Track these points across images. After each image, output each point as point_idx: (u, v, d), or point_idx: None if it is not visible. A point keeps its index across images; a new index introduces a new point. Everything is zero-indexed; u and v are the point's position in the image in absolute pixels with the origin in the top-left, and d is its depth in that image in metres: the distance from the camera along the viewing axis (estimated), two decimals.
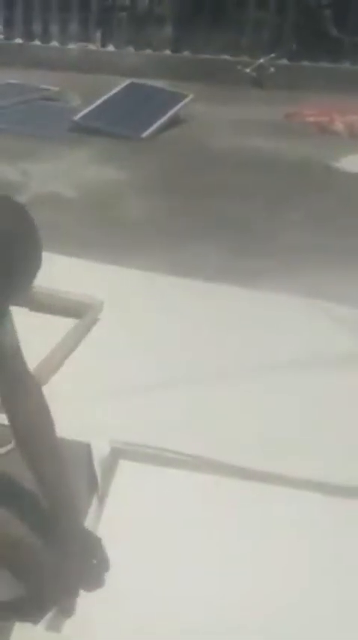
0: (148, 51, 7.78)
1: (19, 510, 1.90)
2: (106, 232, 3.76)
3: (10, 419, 1.84)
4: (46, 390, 2.39)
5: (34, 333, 2.63)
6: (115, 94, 6.18)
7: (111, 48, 7.91)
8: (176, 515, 1.98)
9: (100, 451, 2.13)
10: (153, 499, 2.04)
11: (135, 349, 2.71)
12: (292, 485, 2.09)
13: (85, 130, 5.53)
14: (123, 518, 1.96)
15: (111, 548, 1.80)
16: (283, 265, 3.45)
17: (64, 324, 2.78)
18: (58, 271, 3.10)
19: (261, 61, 7.25)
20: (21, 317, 2.57)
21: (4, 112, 5.90)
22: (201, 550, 1.89)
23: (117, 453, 2.16)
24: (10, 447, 2.09)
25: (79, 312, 2.86)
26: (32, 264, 1.62)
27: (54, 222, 3.81)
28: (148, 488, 2.07)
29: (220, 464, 2.12)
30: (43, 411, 1.84)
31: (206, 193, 4.40)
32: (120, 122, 5.65)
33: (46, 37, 7.99)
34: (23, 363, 1.85)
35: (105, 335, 2.80)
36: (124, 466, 2.15)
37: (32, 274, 1.63)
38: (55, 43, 7.95)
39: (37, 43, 8.00)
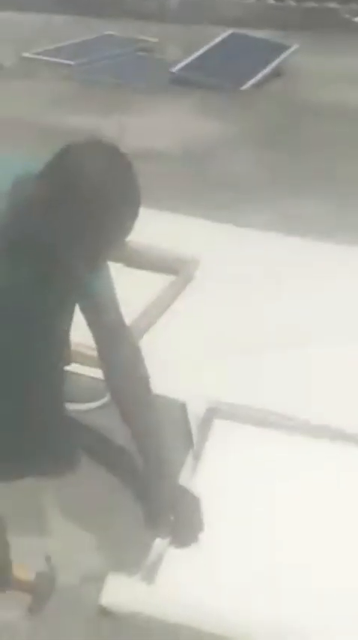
0: (250, 0, 7.52)
1: (111, 466, 1.90)
2: (205, 188, 3.64)
3: (105, 370, 1.81)
4: (141, 344, 2.38)
5: (130, 289, 2.59)
6: (215, 45, 6.00)
7: None
8: (268, 476, 1.93)
9: (196, 410, 2.11)
10: (246, 459, 1.99)
11: (231, 308, 2.64)
12: None
13: (184, 82, 5.39)
14: (216, 476, 1.93)
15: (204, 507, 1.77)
16: None
17: (161, 281, 2.72)
18: (155, 227, 3.04)
19: None
20: (117, 273, 2.54)
21: (100, 65, 5.83)
22: (293, 513, 1.83)
23: (212, 412, 2.13)
24: (104, 400, 2.07)
25: (176, 268, 2.80)
26: (129, 214, 1.59)
27: (151, 177, 3.73)
28: (242, 448, 2.03)
29: (317, 426, 2.07)
30: (138, 364, 1.81)
31: (309, 148, 4.21)
32: (220, 74, 5.48)
33: None
34: (119, 316, 1.81)
35: (202, 292, 2.73)
36: (219, 425, 2.11)
37: (129, 225, 1.60)
38: None
39: None
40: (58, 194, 1.53)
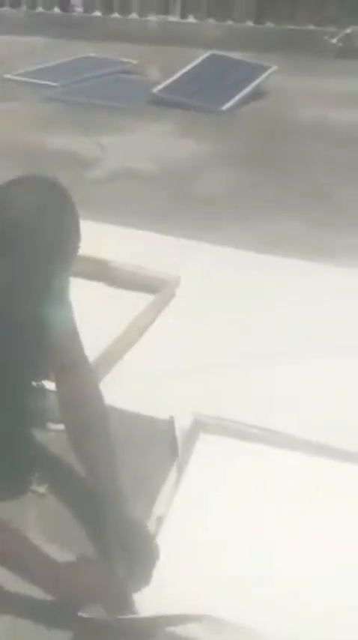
0: (230, 22, 7.62)
1: (67, 496, 1.86)
2: (185, 207, 3.66)
3: (60, 401, 1.77)
4: (122, 364, 2.38)
5: (111, 308, 2.63)
6: (196, 66, 6.06)
7: (191, 19, 7.77)
8: (254, 490, 1.93)
9: (182, 423, 2.11)
10: (231, 472, 1.99)
11: (211, 325, 2.65)
12: None
13: (165, 102, 5.43)
14: (200, 489, 1.93)
15: (188, 520, 1.78)
16: None
17: (141, 300, 2.72)
18: (135, 247, 3.07)
19: (348, 31, 6.99)
20: (98, 292, 2.55)
21: (82, 86, 5.86)
22: (277, 525, 1.82)
23: (198, 426, 2.13)
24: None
25: (156, 287, 2.80)
26: (71, 238, 1.59)
27: (131, 197, 3.77)
28: (228, 461, 2.03)
29: (301, 441, 2.07)
30: (94, 398, 1.76)
31: (289, 168, 4.25)
32: (201, 95, 5.52)
33: (125, 9, 7.92)
34: (79, 346, 1.78)
35: (182, 310, 2.74)
36: (205, 439, 2.11)
37: (71, 249, 1.60)
38: (134, 15, 7.87)
39: (116, 15, 7.94)
40: None
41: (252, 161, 4.37)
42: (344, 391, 2.33)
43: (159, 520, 1.81)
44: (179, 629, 1.54)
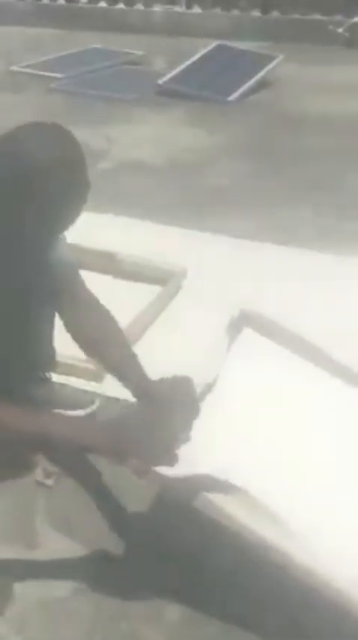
0: (236, 12, 7.59)
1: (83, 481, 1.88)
2: (192, 198, 3.67)
3: (75, 337, 1.81)
4: None
5: (119, 300, 2.62)
6: (202, 56, 6.04)
7: (197, 9, 7.75)
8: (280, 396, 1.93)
9: (230, 315, 2.13)
10: (263, 375, 1.98)
11: (220, 317, 2.64)
12: None
13: (170, 93, 5.42)
14: (235, 383, 1.95)
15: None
16: None
17: (149, 292, 2.73)
18: (142, 238, 3.07)
19: (355, 20, 6.96)
20: (104, 284, 2.54)
21: (87, 77, 5.86)
22: (304, 427, 1.83)
23: (244, 319, 2.15)
24: (88, 410, 2.09)
25: (164, 279, 2.81)
26: (80, 191, 1.59)
27: (138, 189, 3.77)
28: (261, 364, 2.02)
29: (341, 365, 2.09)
30: (107, 322, 1.82)
31: (296, 158, 4.24)
32: (207, 85, 5.51)
33: (130, 0, 7.90)
34: (80, 279, 1.83)
35: (190, 302, 2.74)
36: (247, 334, 2.13)
37: (81, 200, 1.60)
38: (139, 6, 7.85)
39: (122, 6, 7.92)
40: (5, 174, 1.52)
41: (259, 152, 4.36)
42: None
43: (208, 387, 1.85)
44: (211, 496, 1.53)
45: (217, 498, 1.54)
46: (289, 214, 3.47)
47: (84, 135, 4.94)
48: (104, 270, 2.75)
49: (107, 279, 2.78)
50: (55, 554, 1.74)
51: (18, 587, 1.64)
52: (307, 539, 1.51)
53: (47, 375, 2.06)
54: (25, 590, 1.64)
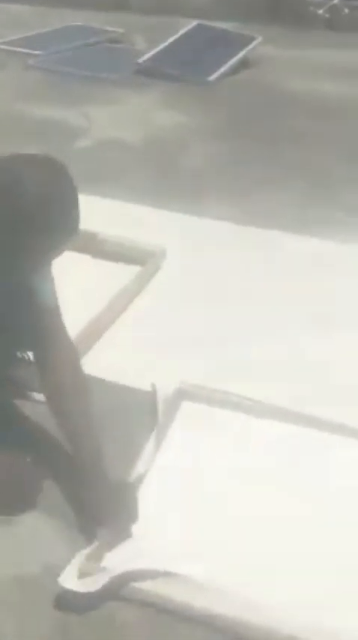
0: None
1: (59, 463, 1.89)
2: (171, 179, 3.65)
3: (40, 377, 1.81)
4: (108, 335, 2.39)
5: (98, 280, 2.63)
6: (181, 36, 6.00)
7: None
8: (234, 457, 1.97)
9: (165, 390, 2.14)
10: (212, 440, 2.02)
11: (197, 297, 2.66)
12: (354, 434, 2.05)
13: (150, 73, 5.38)
14: (181, 455, 1.96)
15: (164, 489, 1.82)
16: (353, 216, 3.30)
17: (127, 272, 2.73)
18: (120, 218, 3.07)
19: (335, 1, 6.94)
20: (84, 264, 2.55)
21: (67, 55, 5.79)
22: (255, 493, 1.86)
23: (181, 394, 2.16)
24: None
25: (142, 259, 2.81)
26: (70, 223, 1.60)
27: (116, 169, 3.75)
28: (209, 429, 2.06)
29: (283, 410, 2.11)
30: (73, 368, 1.80)
31: (275, 139, 4.24)
32: (187, 65, 5.48)
33: None
34: (60, 322, 1.81)
35: (168, 282, 2.75)
36: (187, 407, 2.15)
37: (70, 232, 1.61)
38: None
39: None
40: None
41: (238, 133, 4.35)
42: (328, 362, 2.36)
43: (139, 479, 1.85)
44: (147, 585, 1.58)
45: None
46: (269, 196, 3.47)
47: (62, 113, 4.95)
48: (83, 250, 2.74)
49: (86, 258, 2.77)
50: (30, 530, 1.75)
51: None
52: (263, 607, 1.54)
53: (25, 355, 2.06)
54: None
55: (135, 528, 1.70)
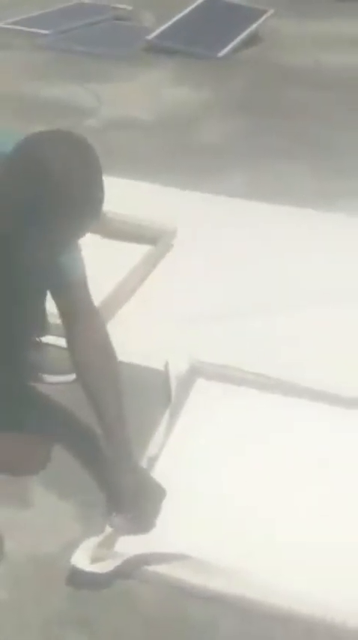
0: None
1: (76, 445, 1.89)
2: (183, 156, 3.62)
3: (71, 350, 1.80)
4: (120, 314, 2.38)
5: (109, 259, 2.62)
6: (191, 11, 5.92)
7: None
8: (248, 434, 1.97)
9: (178, 368, 2.13)
10: (227, 417, 2.02)
11: (209, 275, 2.65)
12: None
13: (160, 49, 5.32)
14: (195, 433, 1.96)
15: (180, 462, 1.83)
16: None
17: (138, 251, 2.71)
18: (131, 197, 3.05)
19: None
20: (95, 243, 2.53)
21: (75, 33, 5.74)
22: (270, 470, 1.86)
23: (194, 371, 2.15)
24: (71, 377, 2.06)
25: (153, 238, 2.79)
26: (96, 200, 1.58)
27: (128, 147, 3.73)
28: (223, 406, 2.06)
29: (296, 386, 2.11)
30: (104, 346, 1.79)
31: (287, 114, 4.19)
32: (196, 41, 5.42)
33: None
34: (88, 297, 1.80)
35: (180, 261, 2.73)
36: (200, 384, 2.14)
37: (96, 209, 1.60)
38: None
39: None
40: (25, 178, 1.52)
41: (249, 108, 4.31)
42: (341, 337, 2.34)
43: (152, 460, 1.84)
44: (160, 568, 1.59)
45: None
46: (282, 171, 3.44)
47: (72, 92, 4.92)
48: (93, 230, 2.72)
49: (96, 238, 2.76)
50: (47, 511, 1.75)
51: (9, 544, 1.66)
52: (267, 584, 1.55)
53: (38, 338, 2.06)
54: (16, 547, 1.66)
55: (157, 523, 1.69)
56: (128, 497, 1.70)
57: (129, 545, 1.63)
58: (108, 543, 1.63)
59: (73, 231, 1.62)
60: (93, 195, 1.57)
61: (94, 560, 1.57)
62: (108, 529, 1.66)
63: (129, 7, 6.39)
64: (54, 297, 1.82)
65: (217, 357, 2.20)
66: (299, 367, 2.18)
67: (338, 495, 1.81)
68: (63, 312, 1.80)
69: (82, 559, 1.57)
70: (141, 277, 2.60)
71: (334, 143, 3.80)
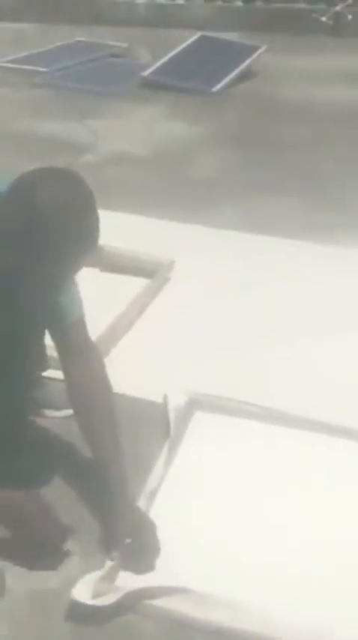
0: (219, 2, 7.58)
1: (74, 480, 1.89)
2: (178, 189, 3.67)
3: (69, 389, 1.79)
4: (118, 347, 2.40)
5: (106, 293, 2.64)
6: (185, 48, 6.04)
7: (180, 1, 7.73)
8: (248, 466, 1.96)
9: (176, 401, 2.13)
10: (226, 449, 2.02)
11: (206, 307, 2.66)
12: None
13: (155, 85, 5.42)
14: (194, 466, 1.96)
15: (180, 495, 1.82)
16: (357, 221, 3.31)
17: (136, 284, 2.73)
18: (128, 231, 3.08)
19: (338, 8, 6.96)
20: (93, 277, 2.55)
21: (72, 71, 5.84)
22: (270, 503, 1.85)
23: (193, 404, 2.16)
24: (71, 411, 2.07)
25: (151, 271, 2.81)
26: (91, 235, 1.59)
27: (124, 181, 3.77)
28: (222, 438, 2.06)
29: (295, 417, 2.10)
30: (102, 385, 1.78)
31: (279, 147, 4.25)
32: (191, 77, 5.51)
33: None
34: (85, 334, 1.80)
35: (177, 294, 2.75)
36: (199, 417, 2.14)
37: (92, 244, 1.60)
38: None
39: None
40: (20, 216, 1.53)
41: (244, 142, 4.37)
42: (339, 369, 2.35)
43: (151, 495, 1.84)
44: (161, 602, 1.58)
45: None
46: (275, 204, 3.47)
47: (69, 128, 4.97)
48: (91, 263, 2.74)
49: (94, 271, 2.78)
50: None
51: (9, 580, 1.65)
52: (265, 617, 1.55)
53: (38, 374, 2.07)
54: (17, 582, 1.65)
55: (156, 561, 1.68)
56: (125, 532, 1.69)
57: (130, 579, 1.62)
58: (110, 577, 1.62)
59: (70, 266, 1.63)
60: (88, 229, 1.58)
61: (96, 594, 1.57)
62: (109, 563, 1.66)
63: (125, 45, 6.50)
64: (52, 335, 1.82)
65: (215, 389, 2.21)
66: (298, 398, 2.19)
67: (336, 526, 1.80)
68: (60, 350, 1.80)
69: (83, 593, 1.56)
70: (139, 310, 2.62)
71: (325, 176, 3.85)
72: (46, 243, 1.53)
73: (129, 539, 1.68)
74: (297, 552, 1.73)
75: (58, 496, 1.86)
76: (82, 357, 1.78)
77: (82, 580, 1.59)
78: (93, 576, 1.60)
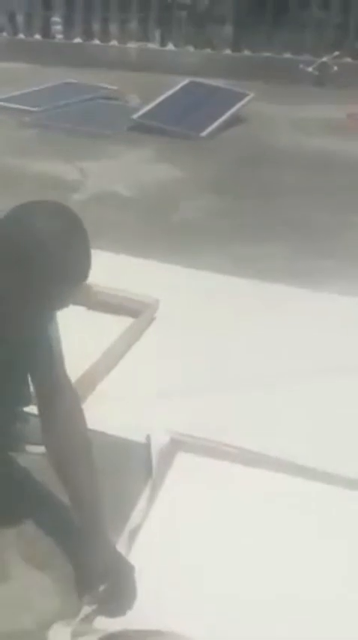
0: (208, 50, 7.74)
1: (50, 519, 1.86)
2: (164, 232, 3.70)
3: (42, 427, 1.77)
4: (102, 386, 2.39)
5: (91, 332, 2.65)
6: (174, 92, 6.14)
7: (170, 47, 7.89)
8: (229, 508, 1.95)
9: (159, 441, 2.13)
10: (208, 491, 2.01)
11: (191, 348, 2.67)
12: (346, 485, 2.04)
13: (144, 129, 5.49)
14: (176, 507, 1.94)
15: (162, 536, 1.80)
16: (344, 266, 3.35)
17: (121, 323, 2.74)
18: (114, 270, 3.09)
19: (324, 59, 7.13)
20: (78, 315, 2.55)
21: (62, 111, 5.91)
22: (251, 544, 1.84)
23: (175, 445, 2.15)
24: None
25: (136, 310, 2.82)
26: (80, 272, 1.57)
27: (111, 222, 3.80)
28: (204, 480, 2.05)
29: (277, 460, 2.10)
30: (76, 424, 1.76)
31: (266, 193, 4.31)
32: (180, 121, 5.59)
33: (105, 36, 8.02)
34: (64, 374, 1.79)
35: (162, 334, 2.76)
36: (182, 458, 2.13)
37: (80, 281, 1.58)
38: (114, 43, 7.97)
39: (97, 42, 8.03)
40: (11, 248, 1.52)
41: (231, 187, 4.43)
42: (321, 412, 2.36)
43: (132, 535, 1.82)
44: None
45: None
46: (261, 251, 3.51)
47: (57, 168, 5.01)
48: (78, 302, 2.76)
49: (80, 310, 2.79)
50: (25, 587, 1.73)
51: None
52: None
53: (24, 410, 2.05)
54: None
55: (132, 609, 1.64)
56: (98, 577, 1.65)
57: (109, 621, 1.60)
58: (88, 619, 1.60)
59: (60, 299, 1.60)
60: (79, 260, 1.55)
61: (74, 636, 1.55)
62: (87, 607, 1.63)
63: (116, 87, 6.60)
64: (30, 373, 1.80)
65: (198, 430, 2.20)
66: (281, 441, 2.19)
67: (320, 572, 1.79)
68: (35, 387, 1.79)
69: (61, 635, 1.54)
70: (123, 350, 2.62)
71: (311, 222, 3.90)
72: (36, 273, 1.51)
73: (103, 585, 1.64)
74: (278, 596, 1.72)
75: (35, 534, 1.84)
76: (57, 395, 1.76)
77: (60, 622, 1.57)
78: (71, 622, 1.58)
